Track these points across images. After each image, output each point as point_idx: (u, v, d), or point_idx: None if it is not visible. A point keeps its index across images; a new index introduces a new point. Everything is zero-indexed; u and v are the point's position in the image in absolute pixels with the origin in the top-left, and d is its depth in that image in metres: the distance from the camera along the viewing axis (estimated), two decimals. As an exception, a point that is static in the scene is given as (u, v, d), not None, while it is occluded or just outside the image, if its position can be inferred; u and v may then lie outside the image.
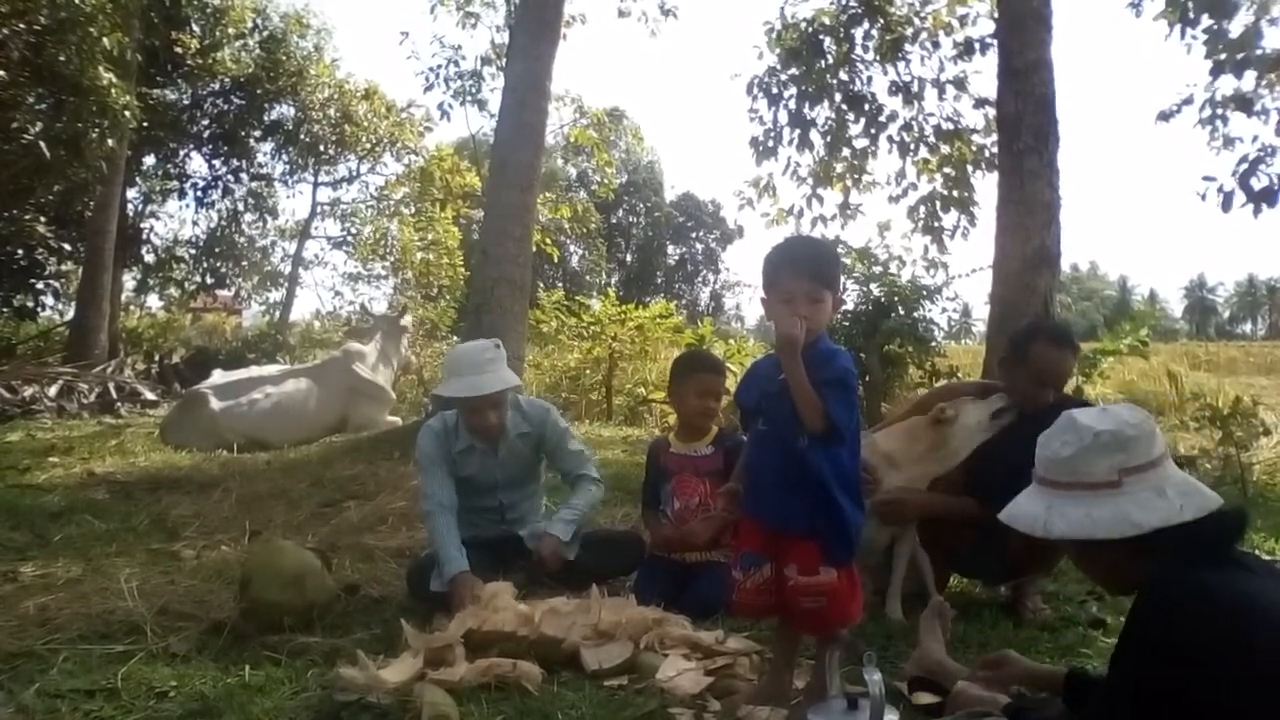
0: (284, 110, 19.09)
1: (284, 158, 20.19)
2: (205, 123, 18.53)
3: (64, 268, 16.01)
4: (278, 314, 21.92)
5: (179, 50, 15.66)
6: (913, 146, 10.04)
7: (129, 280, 19.00)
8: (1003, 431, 3.21)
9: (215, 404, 7.83)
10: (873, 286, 8.45)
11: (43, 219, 14.15)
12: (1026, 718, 1.95)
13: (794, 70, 10.03)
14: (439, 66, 13.96)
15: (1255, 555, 1.77)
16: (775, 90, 10.13)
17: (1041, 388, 3.23)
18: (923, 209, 9.98)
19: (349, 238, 21.67)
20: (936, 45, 9.85)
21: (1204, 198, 7.45)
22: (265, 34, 18.15)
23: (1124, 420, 1.74)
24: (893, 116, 10.06)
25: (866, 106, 10.06)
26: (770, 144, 10.22)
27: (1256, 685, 1.53)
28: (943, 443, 3.24)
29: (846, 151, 10.21)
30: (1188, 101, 8.15)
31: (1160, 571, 1.66)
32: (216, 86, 17.79)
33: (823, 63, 9.99)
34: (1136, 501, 1.67)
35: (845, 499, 2.27)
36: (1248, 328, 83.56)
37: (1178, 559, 1.65)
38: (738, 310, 49.15)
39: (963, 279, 13.31)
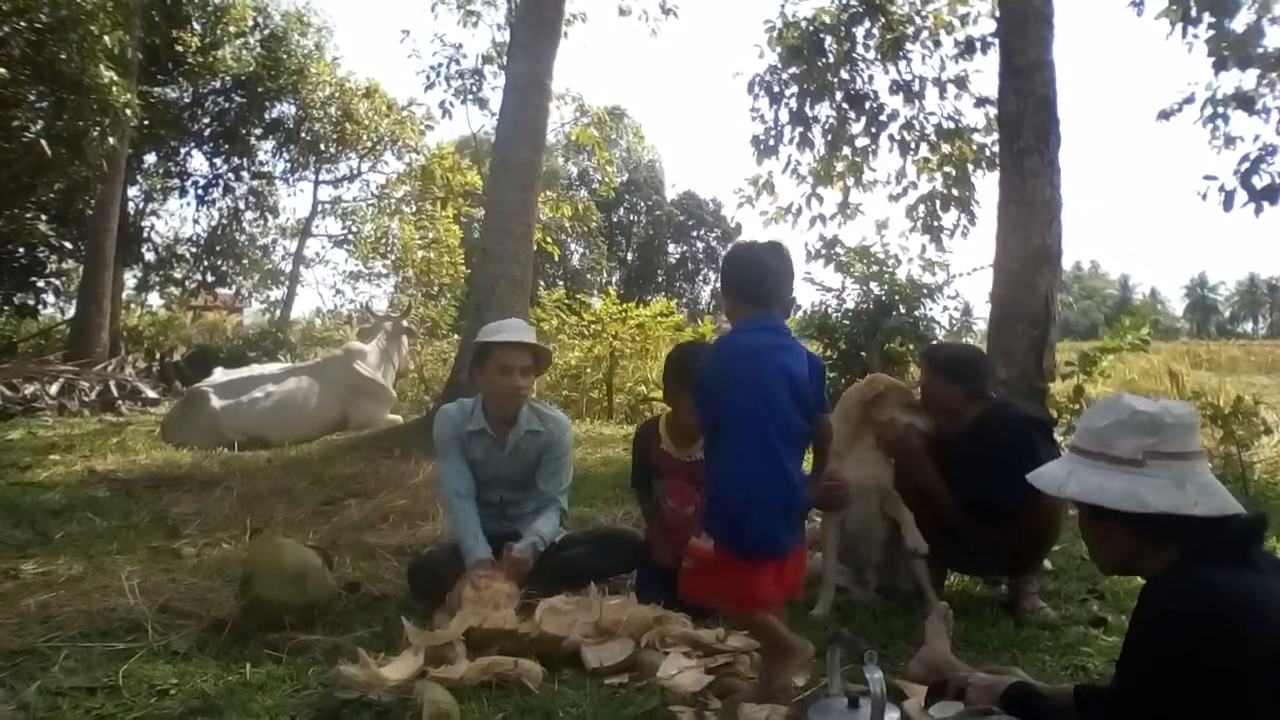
0: (285, 108, 19.11)
1: (285, 156, 20.22)
2: (206, 121, 18.54)
3: (65, 266, 16.05)
4: (279, 312, 21.99)
5: (180, 48, 15.65)
6: (913, 145, 10.03)
7: (130, 278, 19.02)
8: (950, 449, 3.31)
9: (216, 402, 7.83)
10: (873, 285, 8.44)
11: (44, 217, 14.18)
12: (1034, 706, 1.94)
13: (795, 69, 10.01)
14: (440, 65, 13.95)
15: (1269, 555, 1.75)
16: (776, 89, 10.11)
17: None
18: (922, 208, 9.97)
19: (350, 236, 21.70)
20: (937, 44, 9.84)
21: (1205, 197, 7.45)
22: (266, 32, 18.14)
23: (1167, 408, 1.76)
24: (894, 115, 10.05)
25: (867, 105, 10.05)
26: (771, 142, 10.20)
27: (1261, 685, 1.52)
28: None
29: (847, 150, 10.20)
30: (1189, 100, 8.13)
31: (1165, 568, 1.66)
32: (217, 84, 17.79)
33: (824, 61, 9.97)
34: (1152, 485, 1.68)
35: (727, 489, 2.38)
36: (1249, 327, 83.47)
37: (1186, 556, 1.64)
38: (738, 309, 48.97)
39: (964, 277, 13.28)
